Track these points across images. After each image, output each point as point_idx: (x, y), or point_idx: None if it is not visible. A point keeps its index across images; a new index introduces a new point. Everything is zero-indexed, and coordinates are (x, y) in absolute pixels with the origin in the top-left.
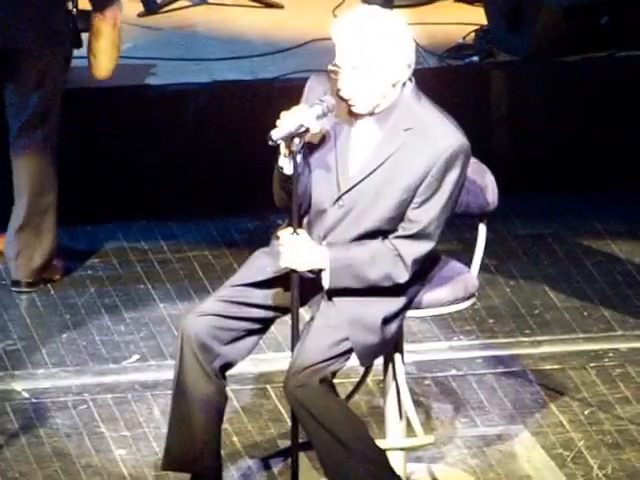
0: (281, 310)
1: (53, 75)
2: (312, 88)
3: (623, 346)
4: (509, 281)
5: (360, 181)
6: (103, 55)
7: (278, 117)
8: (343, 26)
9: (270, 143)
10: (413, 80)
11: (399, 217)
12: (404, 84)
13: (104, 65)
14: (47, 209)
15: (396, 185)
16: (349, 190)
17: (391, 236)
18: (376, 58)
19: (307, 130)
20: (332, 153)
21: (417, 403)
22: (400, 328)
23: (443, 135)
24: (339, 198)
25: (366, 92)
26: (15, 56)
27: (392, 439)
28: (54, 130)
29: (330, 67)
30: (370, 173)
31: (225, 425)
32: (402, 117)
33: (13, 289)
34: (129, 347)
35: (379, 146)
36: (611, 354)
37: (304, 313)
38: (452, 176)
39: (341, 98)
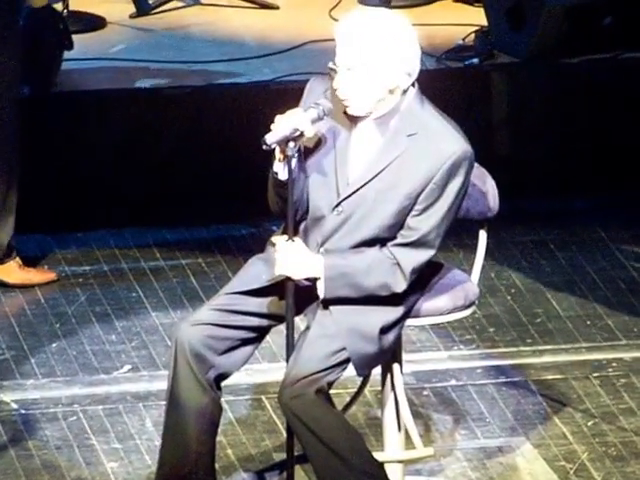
0: (276, 318)
1: None
2: (312, 90)
3: (627, 356)
4: (510, 289)
5: (361, 187)
6: None
7: (273, 121)
8: (344, 26)
9: (264, 147)
10: (416, 85)
11: (399, 224)
12: (405, 91)
13: None
14: None
15: (397, 191)
16: (349, 196)
17: (390, 244)
18: (372, 61)
19: (302, 134)
20: (331, 158)
21: (416, 414)
22: (398, 337)
23: (447, 142)
24: (338, 204)
25: (361, 94)
26: None
27: (390, 451)
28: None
29: (330, 65)
30: (371, 179)
31: (219, 437)
32: (404, 122)
33: None
34: (120, 357)
35: (381, 151)
36: (615, 364)
37: (299, 322)
38: (455, 184)
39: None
